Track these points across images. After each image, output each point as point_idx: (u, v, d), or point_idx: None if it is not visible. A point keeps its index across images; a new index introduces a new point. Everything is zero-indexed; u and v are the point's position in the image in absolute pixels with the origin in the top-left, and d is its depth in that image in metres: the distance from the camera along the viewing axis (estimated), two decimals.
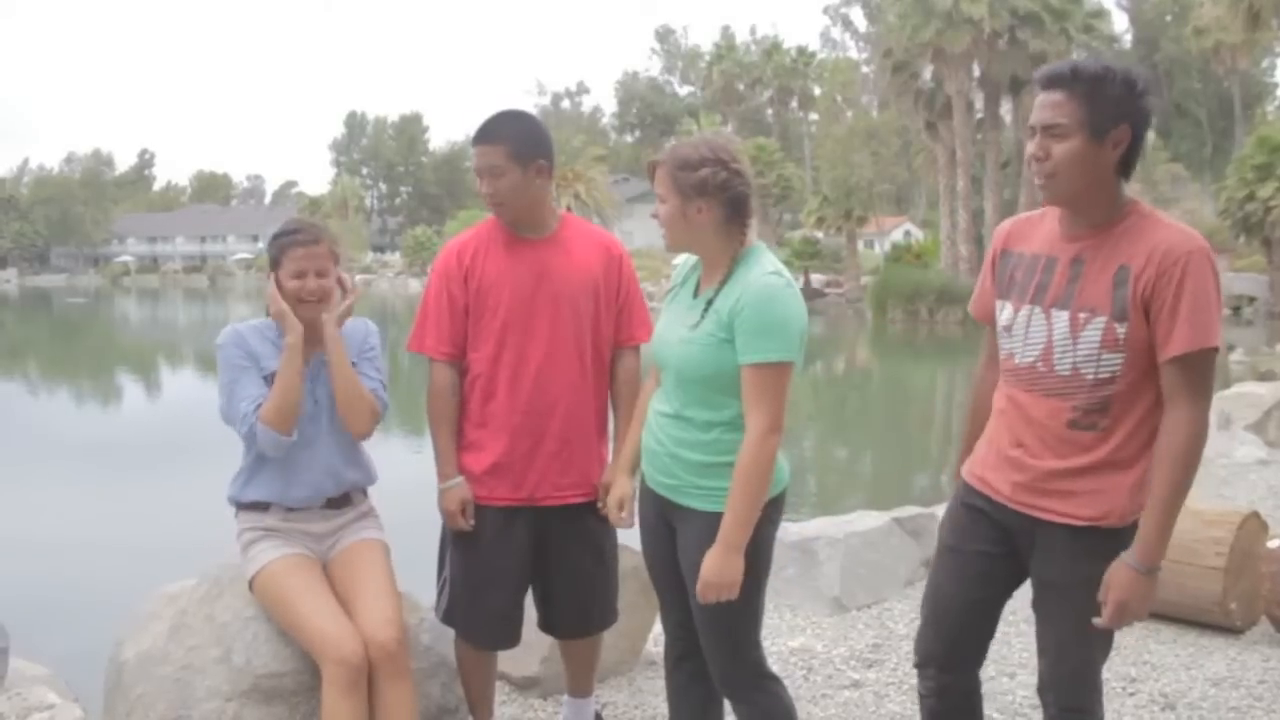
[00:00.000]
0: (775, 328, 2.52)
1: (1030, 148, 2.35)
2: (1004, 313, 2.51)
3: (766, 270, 2.58)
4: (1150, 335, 2.27)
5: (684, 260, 2.88)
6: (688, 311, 2.68)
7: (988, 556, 2.55)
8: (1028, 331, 2.43)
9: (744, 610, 2.65)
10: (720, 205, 2.60)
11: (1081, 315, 2.34)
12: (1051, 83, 2.31)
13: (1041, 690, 2.57)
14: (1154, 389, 2.32)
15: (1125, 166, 2.32)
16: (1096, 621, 2.35)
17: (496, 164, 3.03)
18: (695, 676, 2.86)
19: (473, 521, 3.10)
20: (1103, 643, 2.51)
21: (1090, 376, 2.33)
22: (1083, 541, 2.38)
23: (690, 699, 2.91)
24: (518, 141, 3.04)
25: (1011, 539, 2.51)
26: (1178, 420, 2.27)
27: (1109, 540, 2.35)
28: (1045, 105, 2.31)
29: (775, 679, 2.77)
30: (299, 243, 3.00)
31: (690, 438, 2.63)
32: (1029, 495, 2.44)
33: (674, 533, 2.75)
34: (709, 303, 2.61)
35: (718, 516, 2.56)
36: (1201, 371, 2.26)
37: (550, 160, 3.11)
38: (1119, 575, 2.31)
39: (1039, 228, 2.49)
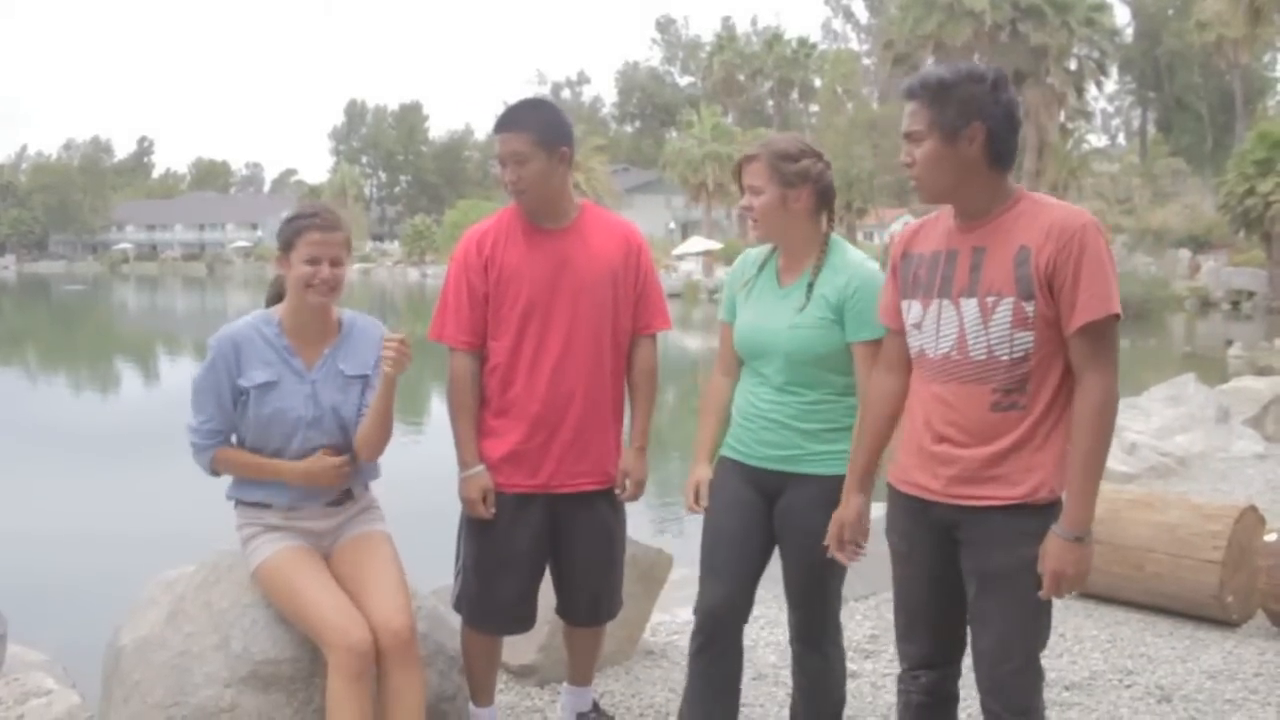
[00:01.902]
0: None
1: (901, 155, 2.52)
2: (912, 311, 2.58)
3: (862, 258, 2.88)
4: (1055, 309, 2.37)
5: (745, 256, 3.05)
6: (781, 300, 2.87)
7: (938, 555, 2.57)
8: (939, 324, 2.51)
9: (837, 567, 2.89)
10: (813, 194, 2.83)
11: (989, 299, 2.42)
12: (907, 94, 2.49)
13: (986, 696, 2.52)
14: (1063, 361, 2.41)
15: (997, 159, 2.44)
16: (1038, 594, 2.40)
17: (521, 151, 3.02)
18: (724, 656, 2.99)
19: (494, 509, 3.11)
20: (1043, 634, 2.53)
21: (1005, 357, 2.41)
22: (1020, 522, 2.41)
23: (716, 680, 3.00)
24: (543, 128, 3.04)
25: (950, 533, 2.53)
26: (1090, 387, 2.36)
27: (1044, 517, 2.40)
28: (905, 114, 2.49)
29: (841, 635, 3.04)
30: (316, 227, 2.90)
31: (805, 410, 2.85)
32: (961, 486, 2.47)
33: (770, 506, 2.91)
34: (810, 285, 2.82)
35: (834, 480, 2.80)
36: (1107, 338, 2.36)
37: (572, 148, 3.12)
38: (1051, 546, 2.38)
39: (936, 228, 2.60)
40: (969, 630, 2.57)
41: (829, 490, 2.80)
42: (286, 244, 2.94)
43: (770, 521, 2.92)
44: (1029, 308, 2.38)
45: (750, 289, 2.95)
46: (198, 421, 2.97)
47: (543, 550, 3.19)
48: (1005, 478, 2.43)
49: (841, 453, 2.82)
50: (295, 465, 2.96)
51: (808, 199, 2.83)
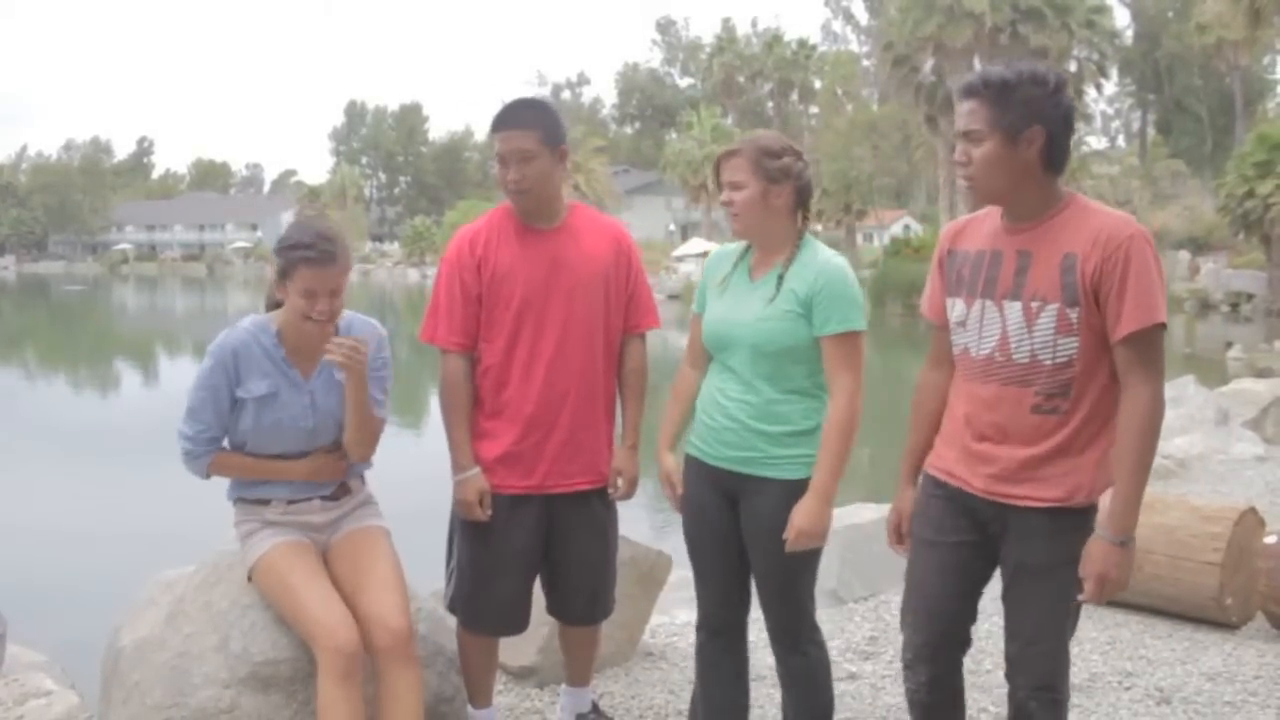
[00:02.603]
0: (854, 301, 2.83)
1: (956, 153, 2.51)
2: (955, 309, 2.61)
3: (832, 255, 2.88)
4: (1101, 318, 2.38)
5: (720, 251, 3.05)
6: (751, 293, 2.87)
7: (967, 545, 2.61)
8: (982, 324, 2.54)
9: (811, 567, 2.92)
10: (793, 192, 2.85)
11: (1034, 304, 2.44)
12: (966, 92, 2.46)
13: (1011, 674, 2.61)
14: (1107, 369, 2.43)
15: (1052, 163, 2.44)
16: (1080, 598, 2.44)
17: (527, 149, 3.01)
18: (727, 650, 3.04)
19: (490, 511, 3.10)
20: (1074, 621, 2.59)
21: (1049, 362, 2.44)
22: (1057, 522, 2.47)
23: (723, 672, 3.05)
24: (546, 127, 3.05)
25: (984, 526, 2.58)
26: (1135, 396, 2.38)
27: (1081, 518, 2.46)
28: (962, 113, 2.47)
29: (821, 634, 3.00)
30: (311, 262, 2.83)
31: (768, 410, 2.82)
32: (1002, 485, 2.51)
33: (733, 507, 2.90)
34: (779, 278, 2.82)
35: (795, 484, 2.80)
36: (1152, 348, 2.38)
37: (568, 147, 3.14)
38: (1095, 550, 2.41)
39: (983, 226, 2.61)
40: (1003, 608, 2.61)
41: (792, 493, 2.81)
42: (283, 273, 2.90)
43: (738, 525, 2.92)
44: (1073, 315, 2.40)
45: (724, 284, 2.96)
46: (194, 430, 2.94)
47: (538, 551, 3.19)
48: (1045, 480, 2.47)
49: (800, 457, 2.82)
50: (298, 464, 2.98)
51: (788, 196, 2.85)
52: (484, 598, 3.17)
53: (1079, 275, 2.38)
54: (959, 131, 2.48)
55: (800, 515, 2.76)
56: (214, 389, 2.92)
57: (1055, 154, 2.43)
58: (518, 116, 3.05)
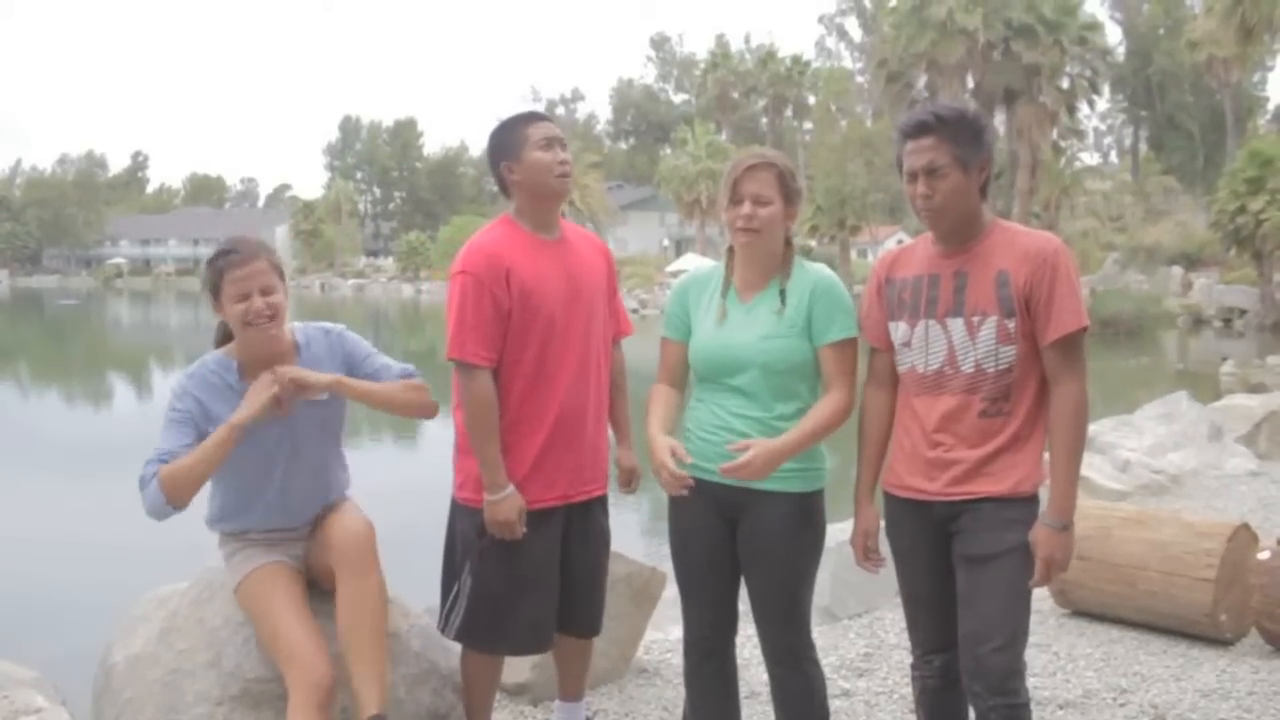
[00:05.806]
0: (851, 309, 2.88)
1: (919, 188, 2.66)
2: (899, 331, 2.80)
3: (821, 267, 2.94)
4: (1032, 325, 2.63)
5: (694, 276, 3.03)
6: (746, 314, 2.88)
7: (937, 551, 2.79)
8: (928, 342, 2.74)
9: (810, 584, 2.95)
10: (796, 213, 2.91)
11: (975, 319, 2.68)
12: (922, 130, 2.65)
13: (969, 682, 2.70)
14: (1039, 372, 2.67)
15: (984, 189, 2.70)
16: (1031, 582, 2.64)
17: (565, 138, 3.12)
18: (718, 673, 3.04)
19: (525, 528, 3.03)
20: (1024, 619, 2.71)
21: (992, 369, 2.67)
22: (1004, 512, 2.67)
23: (715, 695, 3.05)
24: None
25: (945, 527, 2.75)
26: (1066, 393, 2.63)
27: (1027, 508, 2.68)
28: (921, 150, 2.65)
29: (816, 651, 3.00)
30: (235, 263, 2.82)
31: (776, 426, 2.81)
32: (958, 485, 2.70)
33: (730, 526, 2.89)
34: (782, 293, 2.85)
35: (800, 497, 2.84)
36: (1078, 348, 2.64)
37: None
38: (1040, 535, 2.63)
39: (915, 254, 2.84)
40: (957, 617, 2.74)
41: (798, 507, 2.84)
42: (214, 289, 2.85)
43: (734, 543, 2.91)
44: (1011, 325, 2.64)
45: (710, 308, 2.92)
46: (151, 459, 2.82)
47: (559, 563, 3.15)
48: (993, 474, 2.68)
49: (806, 470, 2.84)
50: (238, 411, 2.82)
51: (794, 216, 2.90)
52: (509, 619, 3.10)
53: (1013, 289, 2.63)
54: (921, 167, 2.64)
55: (760, 445, 2.72)
56: (174, 415, 2.86)
57: (986, 181, 2.69)
58: (548, 113, 3.17)
